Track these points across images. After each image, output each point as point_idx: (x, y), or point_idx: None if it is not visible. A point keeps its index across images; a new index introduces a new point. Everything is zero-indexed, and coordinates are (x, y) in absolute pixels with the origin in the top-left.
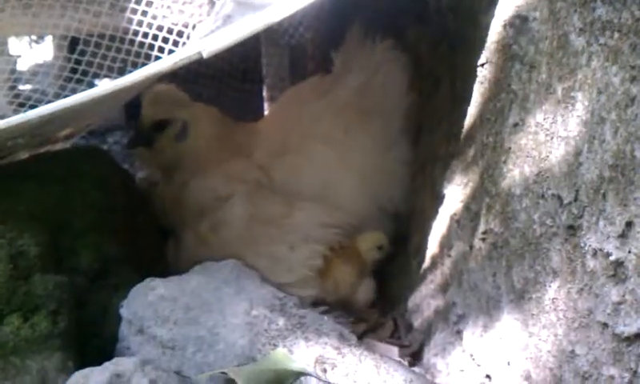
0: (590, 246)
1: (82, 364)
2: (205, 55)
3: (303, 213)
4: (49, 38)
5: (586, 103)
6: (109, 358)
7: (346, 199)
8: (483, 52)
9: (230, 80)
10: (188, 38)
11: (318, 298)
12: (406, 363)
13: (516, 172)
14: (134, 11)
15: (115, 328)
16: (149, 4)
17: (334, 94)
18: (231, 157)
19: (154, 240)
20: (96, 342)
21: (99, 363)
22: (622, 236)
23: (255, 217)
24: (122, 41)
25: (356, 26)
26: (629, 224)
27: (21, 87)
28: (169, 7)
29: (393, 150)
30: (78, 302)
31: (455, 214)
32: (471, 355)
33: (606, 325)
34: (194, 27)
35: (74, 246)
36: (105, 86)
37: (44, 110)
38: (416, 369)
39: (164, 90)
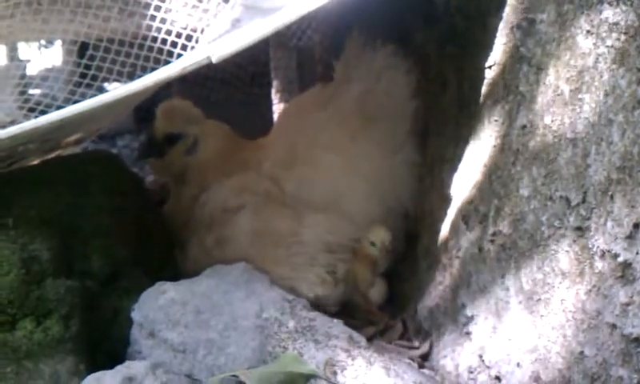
0: (598, 247)
1: (93, 367)
2: (214, 60)
3: (311, 230)
4: (58, 43)
5: (594, 105)
6: (120, 361)
7: (356, 206)
8: (491, 54)
9: (239, 83)
10: (197, 41)
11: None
12: (415, 365)
13: (524, 174)
14: (143, 16)
15: (126, 331)
16: (157, 8)
17: (337, 103)
18: (239, 171)
19: (164, 243)
20: (107, 345)
21: (111, 367)
22: (630, 237)
23: (261, 233)
24: (131, 45)
25: (355, 34)
26: (636, 225)
27: (31, 92)
28: (177, 11)
29: (400, 154)
30: (90, 306)
31: (464, 216)
32: (480, 356)
33: (614, 326)
34: (202, 31)
35: (85, 250)
36: (115, 91)
37: (55, 115)
38: (425, 370)
39: (178, 104)
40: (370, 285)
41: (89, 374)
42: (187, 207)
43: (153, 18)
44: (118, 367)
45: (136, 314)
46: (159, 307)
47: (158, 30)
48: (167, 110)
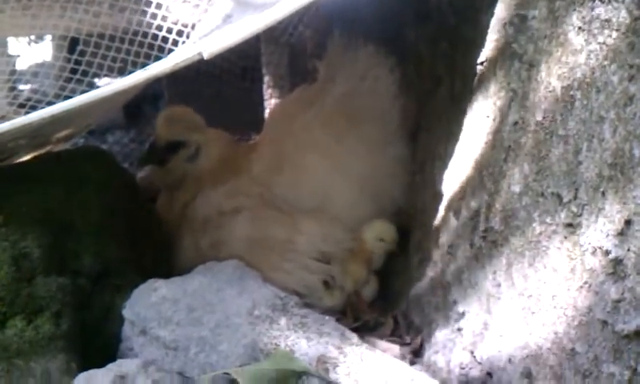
0: (589, 243)
1: (85, 365)
2: (205, 56)
3: (305, 239)
4: (48, 38)
5: (585, 102)
6: (112, 358)
7: (346, 205)
8: (483, 50)
9: (230, 78)
10: (188, 37)
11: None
12: (407, 361)
13: (516, 170)
14: (134, 11)
15: (118, 329)
16: (148, 3)
17: (321, 104)
18: (233, 176)
19: (156, 240)
20: (99, 343)
21: (102, 364)
22: (621, 234)
23: (257, 241)
24: (122, 40)
25: (336, 35)
26: (628, 222)
27: (21, 87)
28: (168, 6)
29: (389, 151)
30: (81, 304)
31: (455, 212)
32: (472, 352)
33: (605, 322)
34: (193, 26)
35: (77, 248)
36: (106, 87)
37: (45, 112)
38: (417, 366)
39: (180, 112)
40: (364, 282)
41: (80, 372)
42: (179, 209)
43: (144, 13)
44: (110, 365)
45: (128, 312)
46: (151, 305)
47: (149, 25)
48: (169, 117)
